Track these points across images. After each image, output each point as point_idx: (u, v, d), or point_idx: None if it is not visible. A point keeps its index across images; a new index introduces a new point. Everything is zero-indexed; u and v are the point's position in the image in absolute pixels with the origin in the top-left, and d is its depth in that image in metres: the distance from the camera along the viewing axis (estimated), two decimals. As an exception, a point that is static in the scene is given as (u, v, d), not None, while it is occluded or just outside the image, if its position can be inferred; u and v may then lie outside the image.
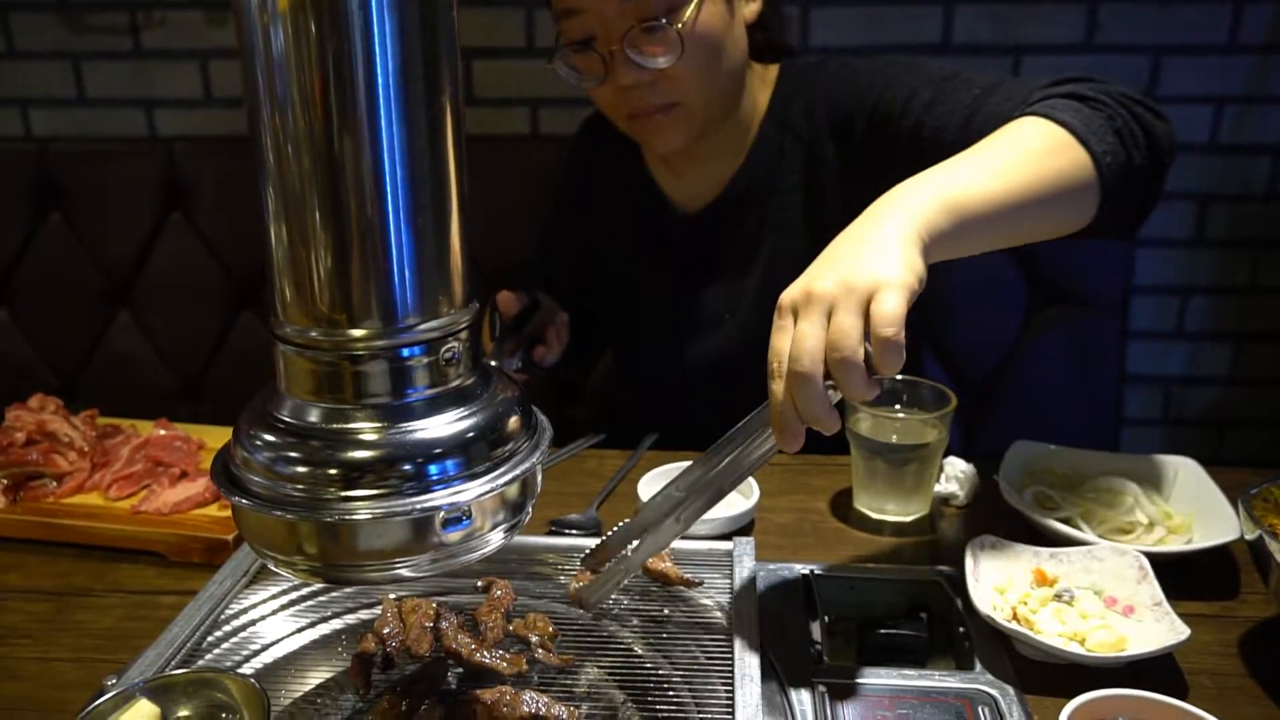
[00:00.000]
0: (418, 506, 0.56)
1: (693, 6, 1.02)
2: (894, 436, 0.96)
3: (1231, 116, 1.67)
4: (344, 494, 0.55)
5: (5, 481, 0.97)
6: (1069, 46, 1.65)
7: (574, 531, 0.94)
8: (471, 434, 0.58)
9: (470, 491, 0.57)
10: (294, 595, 0.84)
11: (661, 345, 1.27)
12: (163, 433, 1.05)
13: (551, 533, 0.95)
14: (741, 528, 0.95)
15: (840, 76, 1.13)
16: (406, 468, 0.56)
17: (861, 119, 1.09)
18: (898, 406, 0.99)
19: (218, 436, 1.09)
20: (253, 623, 0.82)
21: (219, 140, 1.84)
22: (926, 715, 0.72)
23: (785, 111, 1.16)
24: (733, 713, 0.68)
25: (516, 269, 1.39)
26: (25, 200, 1.78)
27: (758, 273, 1.19)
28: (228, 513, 0.95)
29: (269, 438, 0.57)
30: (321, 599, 0.84)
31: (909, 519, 0.98)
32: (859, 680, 0.75)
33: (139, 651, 0.74)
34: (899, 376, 1.00)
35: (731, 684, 0.71)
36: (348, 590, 0.85)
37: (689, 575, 0.83)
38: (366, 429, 0.56)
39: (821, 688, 0.74)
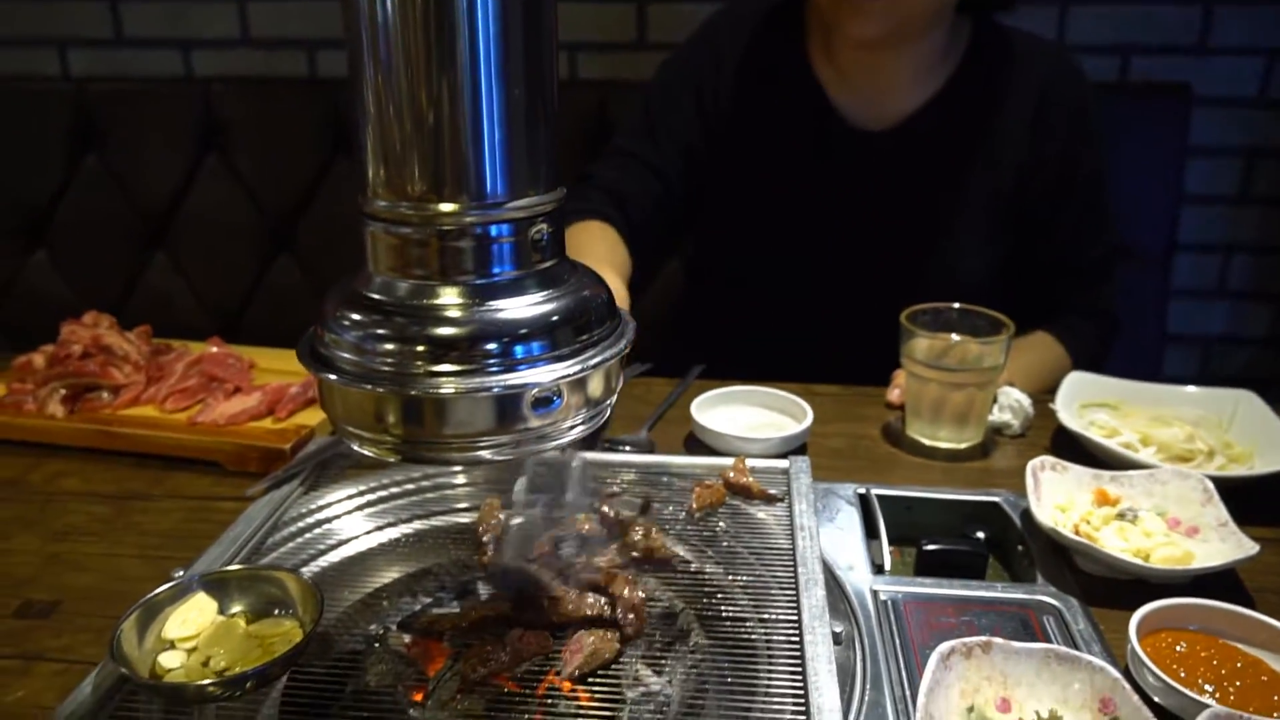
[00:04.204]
0: (502, 384, 0.56)
1: None
2: (950, 362, 0.95)
3: (1283, 69, 1.65)
4: (430, 369, 0.55)
5: (63, 392, 0.97)
6: (1116, -3, 1.63)
7: (628, 448, 0.94)
8: (557, 317, 0.58)
9: (555, 372, 0.57)
10: (361, 500, 0.85)
11: (769, 259, 1.26)
12: (215, 350, 1.05)
13: (606, 449, 0.95)
14: (794, 449, 0.94)
15: (1075, 98, 1.21)
16: (491, 345, 0.56)
17: (1054, 153, 1.20)
18: (954, 335, 0.98)
19: (269, 357, 1.09)
20: (313, 526, 0.82)
21: (256, 81, 1.84)
22: (990, 623, 0.71)
23: (1000, 68, 1.19)
24: (798, 616, 0.68)
25: (587, 176, 1.31)
26: (63, 141, 1.78)
27: (916, 214, 1.21)
28: (284, 425, 0.95)
29: (355, 314, 0.57)
30: (386, 505, 0.85)
31: (962, 446, 0.97)
32: (921, 589, 0.75)
33: (201, 550, 0.74)
34: (955, 305, 1.00)
35: (793, 590, 0.71)
36: (413, 497, 0.85)
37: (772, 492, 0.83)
38: (453, 305, 0.56)
39: (884, 596, 0.74)
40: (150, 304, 1.84)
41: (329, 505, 0.85)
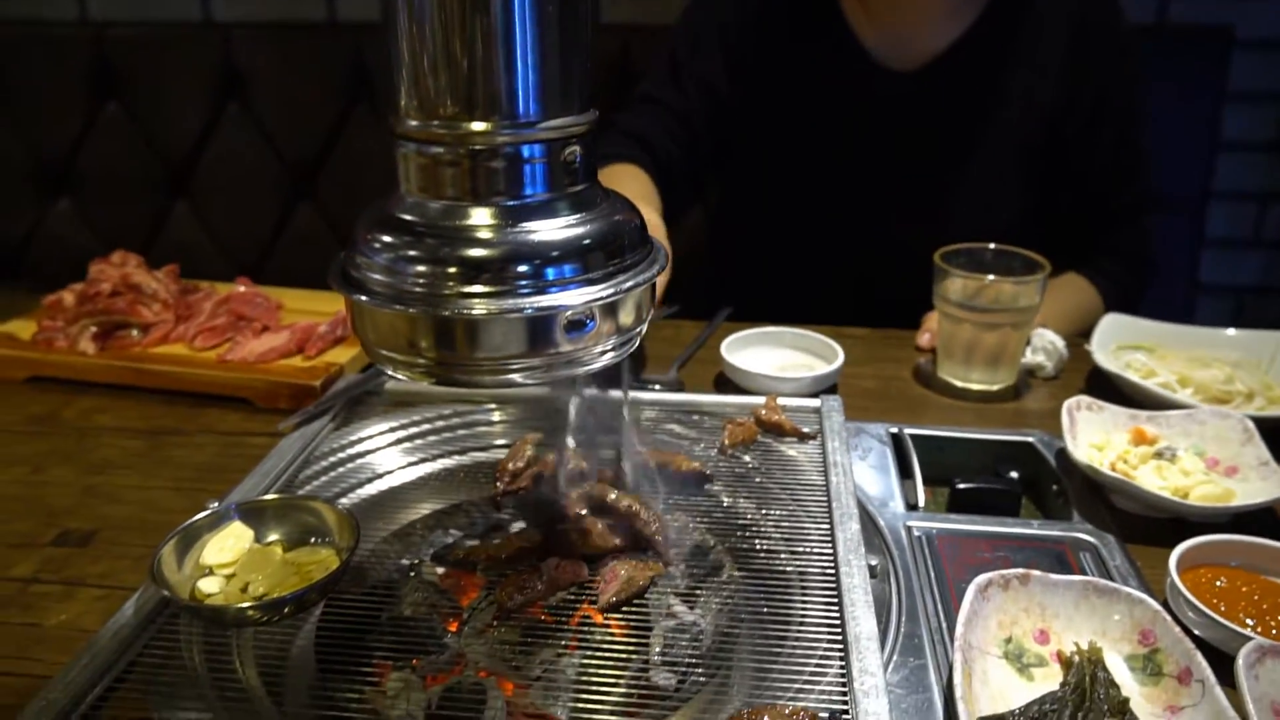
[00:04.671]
0: (533, 306, 0.55)
1: None
2: (984, 302, 0.94)
3: (1327, 9, 1.59)
4: (462, 290, 0.54)
5: (94, 329, 0.98)
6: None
7: (657, 387, 0.94)
8: (588, 240, 0.57)
9: (587, 295, 0.56)
10: (393, 436, 0.85)
11: (797, 202, 1.24)
12: (243, 289, 1.05)
13: (636, 388, 0.94)
14: (825, 390, 0.94)
15: (1110, 32, 1.18)
16: (523, 267, 0.55)
17: (1089, 89, 1.17)
18: (989, 275, 0.97)
19: (296, 298, 1.09)
20: (345, 461, 0.82)
21: (275, 27, 1.82)
22: (1026, 558, 0.71)
23: (1033, 3, 1.16)
24: (833, 550, 0.67)
25: (613, 123, 1.29)
26: (83, 87, 1.77)
27: (946, 154, 1.18)
28: (314, 362, 0.95)
29: (386, 236, 0.56)
30: (419, 442, 0.85)
31: (995, 388, 0.96)
32: (956, 525, 0.74)
33: (235, 483, 0.75)
34: (990, 245, 0.98)
35: (826, 525, 0.70)
36: (445, 434, 0.85)
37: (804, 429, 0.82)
38: (485, 226, 0.55)
39: (918, 532, 0.74)
40: (173, 252, 1.83)
41: (361, 440, 0.85)
